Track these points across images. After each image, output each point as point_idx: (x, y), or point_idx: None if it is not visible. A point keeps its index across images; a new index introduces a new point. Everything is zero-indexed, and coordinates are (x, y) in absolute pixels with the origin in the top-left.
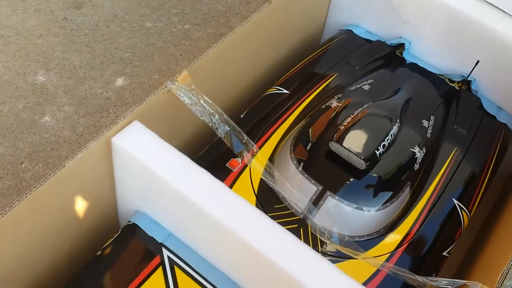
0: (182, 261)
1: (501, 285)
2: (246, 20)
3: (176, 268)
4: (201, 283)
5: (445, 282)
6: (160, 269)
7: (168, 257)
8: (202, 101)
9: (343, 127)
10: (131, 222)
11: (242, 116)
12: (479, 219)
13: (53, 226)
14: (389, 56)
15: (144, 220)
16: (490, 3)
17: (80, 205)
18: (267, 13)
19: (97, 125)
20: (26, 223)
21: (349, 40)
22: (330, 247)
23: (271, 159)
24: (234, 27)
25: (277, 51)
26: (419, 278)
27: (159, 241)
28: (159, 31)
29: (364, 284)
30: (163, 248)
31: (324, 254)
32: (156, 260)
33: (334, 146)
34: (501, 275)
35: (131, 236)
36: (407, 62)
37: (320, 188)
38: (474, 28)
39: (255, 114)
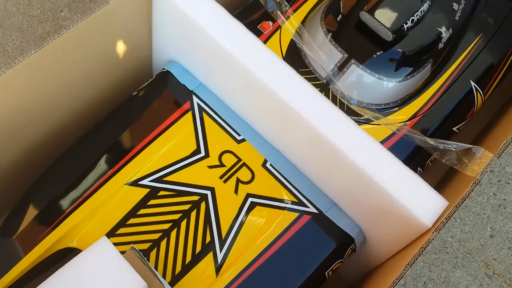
0: (210, 109)
1: (503, 152)
2: None
3: (204, 115)
4: (227, 130)
5: (454, 145)
6: (189, 113)
7: (198, 104)
8: None
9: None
10: (165, 70)
11: None
12: (495, 106)
13: (95, 62)
14: None
15: (178, 68)
16: None
17: (119, 47)
18: None
19: None
20: (70, 54)
21: None
22: (349, 111)
23: (303, 23)
24: None
25: None
26: (430, 141)
27: (190, 89)
28: None
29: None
30: (193, 96)
31: None
32: (187, 105)
33: (364, 16)
34: (504, 143)
35: (165, 82)
36: None
37: (345, 56)
38: None
39: None
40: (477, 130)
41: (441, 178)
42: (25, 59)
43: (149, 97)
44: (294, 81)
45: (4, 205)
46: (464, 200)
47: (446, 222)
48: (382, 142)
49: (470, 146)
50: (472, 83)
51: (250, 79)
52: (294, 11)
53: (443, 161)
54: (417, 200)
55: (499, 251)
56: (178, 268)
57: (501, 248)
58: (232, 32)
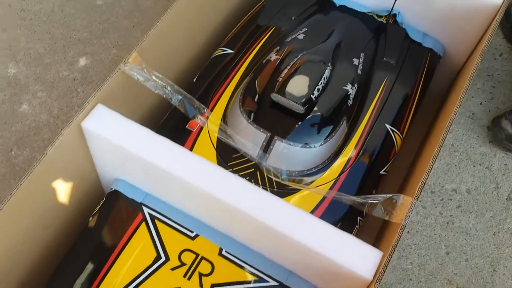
0: (161, 214)
1: (419, 194)
2: None
3: (157, 221)
4: (181, 230)
5: (378, 198)
6: (143, 224)
7: (149, 213)
8: (153, 77)
9: (281, 78)
10: (113, 189)
11: (194, 80)
12: (417, 139)
13: (45, 208)
14: (320, 2)
15: (124, 186)
16: None
17: (67, 185)
18: None
19: (69, 106)
20: (22, 209)
21: None
22: (282, 184)
23: (224, 116)
24: None
25: (220, 13)
26: (358, 199)
27: (139, 201)
28: (110, 7)
29: (313, 210)
30: (143, 207)
31: (278, 190)
32: (139, 217)
33: (275, 97)
34: (419, 185)
35: (115, 201)
36: (337, 5)
37: (269, 134)
38: None
39: (205, 77)
40: (403, 172)
41: (381, 226)
42: None
43: (104, 219)
44: (225, 179)
45: None
46: (395, 247)
47: (385, 271)
48: (316, 207)
49: (391, 195)
50: (388, 127)
51: (185, 186)
52: (213, 107)
53: (372, 214)
54: (354, 257)
55: (458, 265)
56: None
57: (458, 262)
58: (159, 149)
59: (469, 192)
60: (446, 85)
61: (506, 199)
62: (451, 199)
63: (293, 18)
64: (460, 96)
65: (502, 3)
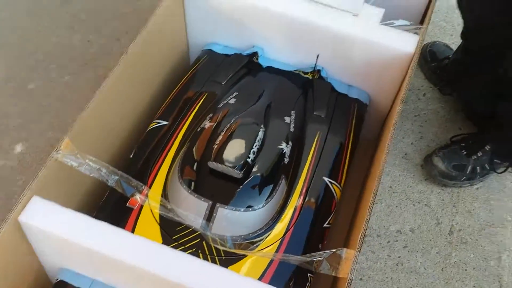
0: None
1: (361, 246)
2: (117, 64)
3: None
4: None
5: (322, 254)
6: None
7: None
8: (87, 161)
9: (216, 145)
10: (58, 279)
11: (131, 156)
12: (356, 187)
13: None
14: (248, 65)
15: (69, 275)
16: (318, 2)
17: (13, 276)
18: (133, 53)
19: (9, 196)
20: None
21: (210, 59)
22: (229, 251)
23: (164, 189)
24: (107, 74)
25: (151, 85)
26: (304, 258)
27: None
28: (42, 90)
29: (263, 273)
30: None
31: (227, 258)
32: None
33: (212, 164)
34: (360, 237)
35: None
36: (264, 66)
37: (210, 203)
38: (309, 26)
39: (142, 152)
40: (347, 221)
41: (333, 278)
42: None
43: None
44: (168, 257)
45: None
46: None
47: None
48: (265, 270)
49: (335, 250)
50: (326, 179)
51: (129, 269)
52: (152, 182)
53: (320, 271)
54: None
55: None
56: None
57: None
58: (97, 235)
59: (413, 231)
60: (376, 131)
61: (448, 233)
62: (397, 240)
63: (223, 83)
64: (387, 143)
65: (415, 51)
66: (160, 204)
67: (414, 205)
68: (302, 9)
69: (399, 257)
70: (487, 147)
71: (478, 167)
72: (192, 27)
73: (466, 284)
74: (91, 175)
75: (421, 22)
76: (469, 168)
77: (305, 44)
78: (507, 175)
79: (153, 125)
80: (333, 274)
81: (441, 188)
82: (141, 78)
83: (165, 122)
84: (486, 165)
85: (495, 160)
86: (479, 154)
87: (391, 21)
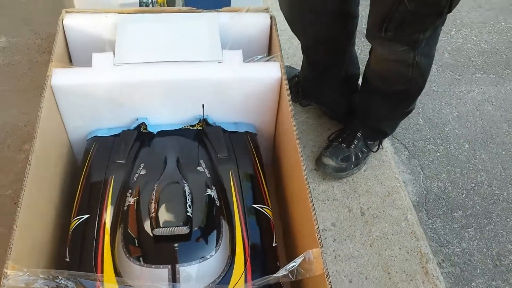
0: None
1: (321, 241)
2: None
3: None
4: None
5: (294, 263)
6: None
7: None
8: (40, 274)
9: (152, 214)
10: None
11: (67, 259)
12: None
13: None
14: (140, 137)
15: None
16: (184, 61)
17: None
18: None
19: None
20: None
21: (101, 144)
22: None
23: (116, 272)
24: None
25: (56, 187)
26: (276, 274)
27: None
28: None
29: None
30: None
31: None
32: None
33: (158, 231)
34: (316, 232)
35: None
36: (155, 133)
37: (169, 266)
38: (187, 83)
39: (75, 251)
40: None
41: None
42: None
43: None
44: None
45: None
46: None
47: None
48: None
49: (303, 255)
50: (256, 206)
51: None
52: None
53: (298, 279)
54: None
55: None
56: None
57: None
58: None
59: (334, 225)
60: (269, 155)
61: (361, 215)
62: (326, 238)
63: (124, 161)
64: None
65: (281, 74)
66: (118, 284)
67: (324, 203)
68: (174, 71)
69: (334, 250)
70: (359, 134)
71: (359, 153)
72: (70, 125)
73: (392, 249)
74: (50, 287)
75: (269, 52)
76: (353, 156)
77: (187, 100)
78: (381, 152)
79: (75, 222)
80: (311, 275)
81: (338, 181)
82: (49, 182)
83: (86, 216)
84: (363, 149)
85: (369, 142)
86: (355, 142)
87: (251, 58)
